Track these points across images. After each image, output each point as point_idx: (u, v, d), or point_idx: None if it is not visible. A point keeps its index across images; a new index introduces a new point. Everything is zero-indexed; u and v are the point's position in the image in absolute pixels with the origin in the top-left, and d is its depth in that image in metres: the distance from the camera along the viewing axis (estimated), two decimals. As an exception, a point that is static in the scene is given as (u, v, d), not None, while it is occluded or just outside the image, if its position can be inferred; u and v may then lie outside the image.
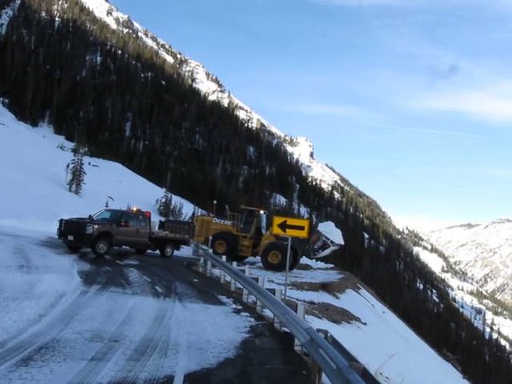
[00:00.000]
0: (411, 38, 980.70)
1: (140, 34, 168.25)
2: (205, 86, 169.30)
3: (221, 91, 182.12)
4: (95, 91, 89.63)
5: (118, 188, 46.60)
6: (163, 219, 33.81)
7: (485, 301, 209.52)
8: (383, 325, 22.01)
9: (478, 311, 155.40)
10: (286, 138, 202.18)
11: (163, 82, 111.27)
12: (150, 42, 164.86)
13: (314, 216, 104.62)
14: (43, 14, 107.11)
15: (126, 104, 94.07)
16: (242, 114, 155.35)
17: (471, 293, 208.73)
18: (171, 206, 49.42)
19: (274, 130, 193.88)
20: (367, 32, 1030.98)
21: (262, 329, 9.99)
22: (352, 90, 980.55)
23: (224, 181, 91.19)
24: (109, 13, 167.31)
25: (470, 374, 34.43)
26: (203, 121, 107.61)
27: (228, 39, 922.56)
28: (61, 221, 18.90)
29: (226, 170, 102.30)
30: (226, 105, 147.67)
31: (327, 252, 25.99)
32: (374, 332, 17.05)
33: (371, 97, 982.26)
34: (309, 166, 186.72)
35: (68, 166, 40.64)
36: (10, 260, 13.89)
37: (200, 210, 53.01)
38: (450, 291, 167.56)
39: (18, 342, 6.94)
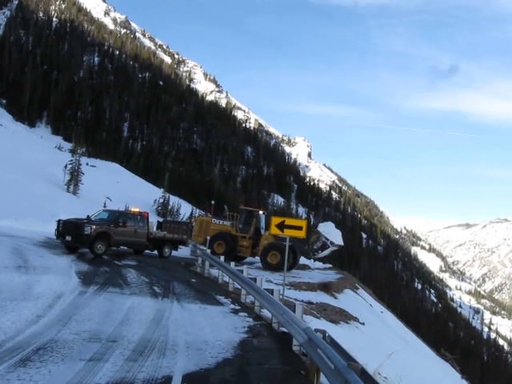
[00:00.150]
0: (409, 39, 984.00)
1: (137, 35, 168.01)
2: (202, 86, 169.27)
3: (218, 91, 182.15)
4: (93, 91, 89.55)
5: (116, 188, 46.56)
6: (161, 219, 33.84)
7: (483, 300, 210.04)
8: (381, 325, 22.03)
9: (476, 311, 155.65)
10: (284, 138, 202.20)
11: (161, 83, 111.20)
12: (147, 43, 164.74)
13: (311, 216, 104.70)
14: (41, 14, 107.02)
15: (123, 104, 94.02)
16: (239, 114, 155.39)
17: (469, 292, 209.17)
18: (169, 207, 49.42)
19: (271, 130, 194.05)
20: (366, 32, 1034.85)
21: (260, 329, 9.99)
22: (351, 90, 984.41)
23: (222, 181, 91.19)
24: (106, 13, 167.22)
25: (468, 373, 34.45)
26: (201, 121, 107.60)
27: (227, 39, 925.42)
28: (59, 221, 18.87)
29: (223, 170, 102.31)
30: (224, 105, 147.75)
31: (326, 252, 26.01)
32: (372, 332, 17.07)
33: (370, 97, 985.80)
34: (307, 166, 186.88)
35: (66, 166, 40.61)
36: (8, 260, 13.86)
37: (198, 210, 53.01)
38: (448, 291, 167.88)
39: (16, 342, 6.93)
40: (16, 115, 69.42)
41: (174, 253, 23.32)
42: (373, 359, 9.23)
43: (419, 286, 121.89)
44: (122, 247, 20.93)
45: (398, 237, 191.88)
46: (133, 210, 22.30)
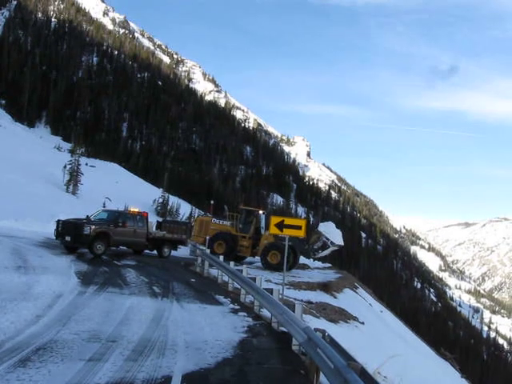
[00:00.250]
0: (408, 38, 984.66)
1: (136, 35, 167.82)
2: (201, 86, 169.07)
3: (217, 91, 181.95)
4: (92, 92, 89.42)
5: (115, 188, 46.49)
6: (160, 219, 33.80)
7: (482, 299, 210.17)
8: (381, 324, 22.04)
9: (476, 310, 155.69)
10: (283, 137, 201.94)
11: (160, 83, 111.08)
12: (146, 43, 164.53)
13: (311, 216, 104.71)
14: (39, 14, 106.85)
15: (122, 104, 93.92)
16: (238, 114, 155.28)
17: (469, 292, 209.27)
18: (168, 207, 49.36)
19: (270, 129, 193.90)
20: (365, 32, 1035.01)
21: (259, 328, 9.99)
22: (351, 90, 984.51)
23: (221, 181, 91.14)
24: (105, 13, 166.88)
25: (468, 372, 34.48)
26: (200, 121, 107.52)
27: (226, 39, 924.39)
28: (58, 221, 18.88)
29: (223, 170, 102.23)
30: (223, 105, 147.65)
31: (327, 252, 26.03)
32: (372, 331, 17.07)
33: (369, 96, 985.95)
34: (306, 166, 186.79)
35: (65, 166, 40.59)
36: (8, 261, 13.86)
37: (197, 210, 52.98)
38: (447, 290, 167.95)
39: (15, 342, 6.93)
40: (15, 115, 69.28)
41: (173, 253, 23.33)
42: (372, 359, 9.23)
43: (419, 286, 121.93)
44: (121, 247, 20.93)
45: (397, 236, 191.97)
46: (132, 209, 22.30)
